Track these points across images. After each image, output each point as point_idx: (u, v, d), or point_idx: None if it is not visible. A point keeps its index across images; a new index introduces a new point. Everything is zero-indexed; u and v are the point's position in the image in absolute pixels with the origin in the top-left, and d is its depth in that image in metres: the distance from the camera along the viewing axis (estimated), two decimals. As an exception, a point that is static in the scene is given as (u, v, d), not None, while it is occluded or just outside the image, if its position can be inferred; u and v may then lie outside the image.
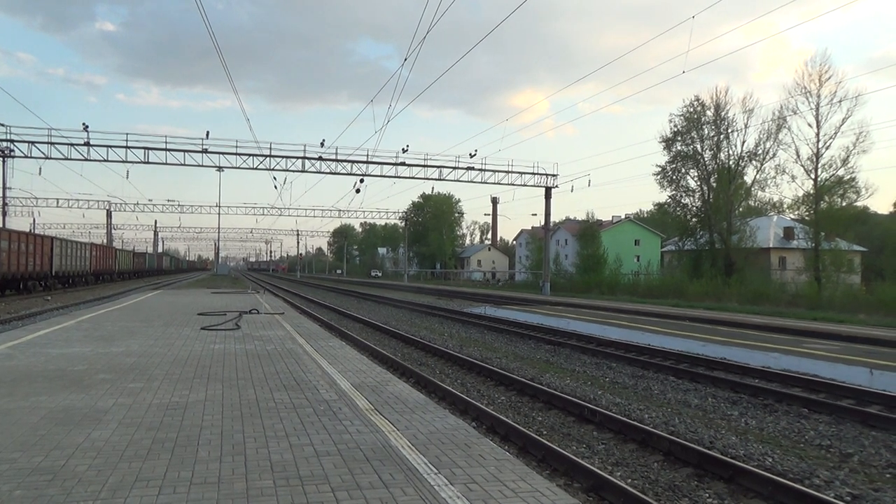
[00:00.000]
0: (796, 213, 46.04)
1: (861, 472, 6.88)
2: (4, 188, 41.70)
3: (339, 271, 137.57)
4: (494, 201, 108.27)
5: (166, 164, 39.15)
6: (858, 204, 41.99)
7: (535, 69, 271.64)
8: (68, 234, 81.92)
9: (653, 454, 7.30)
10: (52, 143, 36.86)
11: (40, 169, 57.09)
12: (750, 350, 14.64)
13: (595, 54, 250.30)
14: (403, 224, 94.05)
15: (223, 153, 39.73)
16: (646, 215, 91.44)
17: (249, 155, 40.18)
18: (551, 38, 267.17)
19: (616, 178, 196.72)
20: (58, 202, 71.44)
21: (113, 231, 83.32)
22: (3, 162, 40.14)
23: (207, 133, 39.25)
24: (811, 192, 40.38)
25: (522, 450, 7.28)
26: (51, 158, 37.40)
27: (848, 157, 38.51)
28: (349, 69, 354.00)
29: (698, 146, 46.53)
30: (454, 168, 43.60)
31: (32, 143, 36.71)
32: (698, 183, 47.34)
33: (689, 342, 16.29)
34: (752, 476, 6.23)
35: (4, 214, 43.15)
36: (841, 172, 39.20)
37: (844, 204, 40.57)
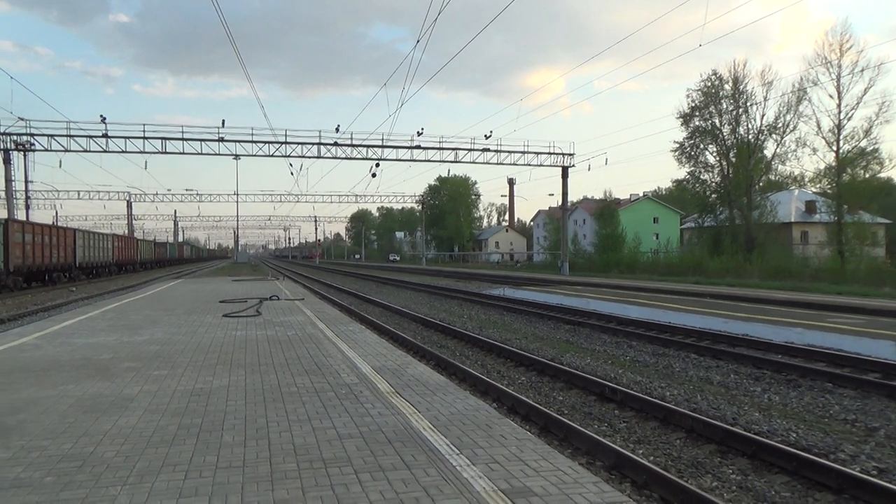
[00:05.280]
0: (818, 186, 45.44)
1: (888, 445, 6.80)
2: (27, 182, 42.23)
3: (357, 256, 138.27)
4: (511, 182, 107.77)
5: (183, 153, 39.55)
6: (882, 175, 41.47)
7: (550, 48, 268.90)
8: (90, 226, 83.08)
9: (675, 432, 7.28)
10: (70, 136, 37.32)
11: (60, 162, 57.91)
12: (772, 326, 14.51)
13: (610, 30, 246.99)
14: (420, 207, 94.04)
15: (239, 141, 39.96)
16: (664, 193, 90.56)
17: (265, 142, 40.38)
18: (565, 15, 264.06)
19: (633, 155, 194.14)
20: (79, 194, 72.32)
21: (133, 221, 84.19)
22: (25, 156, 40.61)
23: (223, 122, 39.71)
24: (833, 164, 39.76)
25: (544, 429, 7.29)
26: (70, 151, 37.94)
27: (871, 127, 37.91)
28: (362, 53, 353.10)
29: (717, 121, 45.95)
30: (469, 150, 43.51)
31: (52, 136, 37.18)
32: (717, 158, 46.81)
33: (710, 319, 16.17)
34: (775, 451, 6.19)
35: (28, 208, 43.73)
36: (863, 144, 38.63)
37: (867, 176, 39.98)
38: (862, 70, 37.25)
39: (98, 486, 3.97)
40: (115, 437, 4.98)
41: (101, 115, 37.26)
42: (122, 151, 38.18)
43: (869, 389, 9.11)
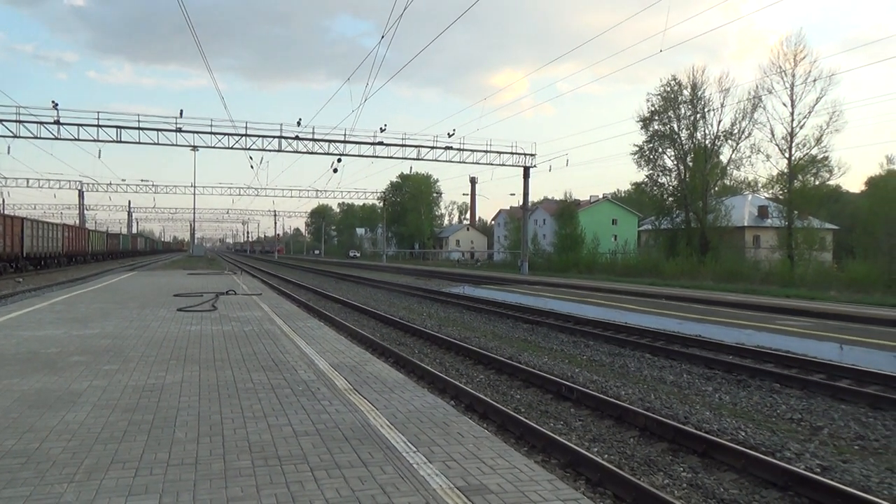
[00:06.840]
0: (770, 191, 46.75)
1: (830, 444, 7.05)
2: (-28, 168, 40.68)
3: (317, 252, 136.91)
4: (472, 181, 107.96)
5: (139, 143, 38.50)
6: (831, 183, 42.85)
7: (515, 48, 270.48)
8: (39, 215, 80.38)
9: (629, 430, 7.40)
10: (20, 122, 36.00)
11: (9, 148, 55.59)
12: (724, 327, 14.87)
13: (574, 33, 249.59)
14: (381, 204, 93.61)
15: (198, 132, 39.13)
16: (623, 195, 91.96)
17: (225, 134, 39.63)
18: (531, 15, 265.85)
19: (594, 157, 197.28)
20: (28, 182, 69.78)
21: (86, 212, 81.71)
22: (-30, 141, 39.06)
23: (181, 112, 38.72)
24: (785, 171, 40.95)
25: (501, 427, 7.33)
26: (20, 137, 36.55)
27: (821, 136, 39.12)
28: (327, 47, 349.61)
29: (675, 126, 46.89)
30: (432, 147, 43.45)
31: (0, 121, 35.81)
32: (675, 162, 47.77)
33: (664, 320, 16.49)
34: (725, 450, 6.36)
35: (-28, 195, 42.14)
36: (814, 151, 39.86)
37: (817, 183, 41.27)
38: (815, 80, 38.50)
39: (43, 483, 3.85)
40: (62, 433, 4.84)
41: (53, 101, 36.10)
42: (75, 139, 37.02)
43: (814, 390, 9.42)
